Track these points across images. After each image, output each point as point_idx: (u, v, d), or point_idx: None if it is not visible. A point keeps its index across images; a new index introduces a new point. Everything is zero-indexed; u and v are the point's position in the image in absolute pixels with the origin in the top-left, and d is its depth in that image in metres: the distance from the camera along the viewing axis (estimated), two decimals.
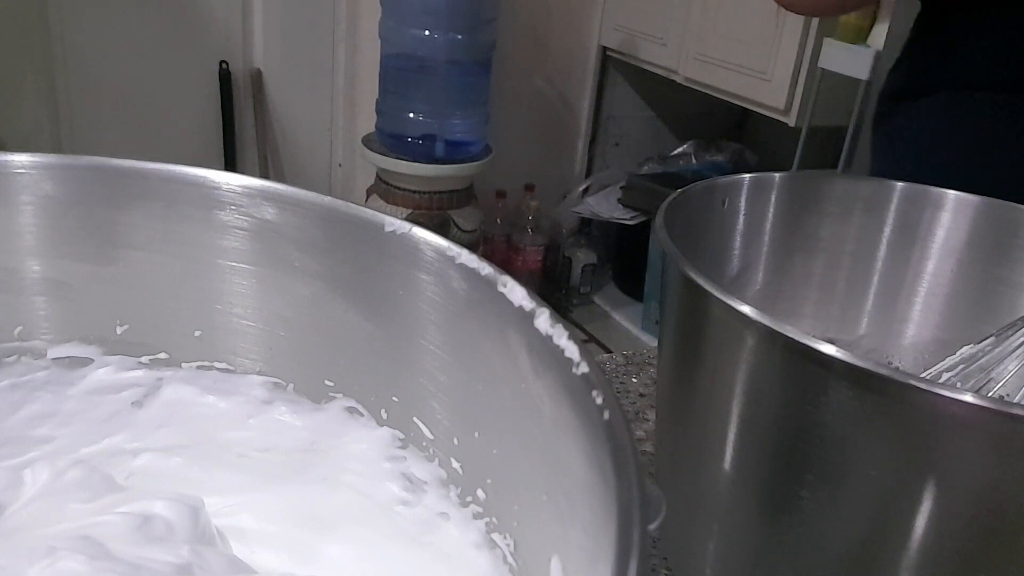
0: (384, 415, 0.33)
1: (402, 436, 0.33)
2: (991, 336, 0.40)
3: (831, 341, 0.29)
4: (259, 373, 0.35)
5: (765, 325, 0.31)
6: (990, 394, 0.38)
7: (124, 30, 1.73)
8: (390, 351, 0.32)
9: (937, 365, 0.42)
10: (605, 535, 0.19)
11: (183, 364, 0.35)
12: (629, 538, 0.17)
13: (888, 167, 0.76)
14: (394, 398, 0.33)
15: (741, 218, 0.47)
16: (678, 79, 1.91)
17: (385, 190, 1.78)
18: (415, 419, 0.32)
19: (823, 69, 1.54)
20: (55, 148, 1.73)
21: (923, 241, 0.48)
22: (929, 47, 0.73)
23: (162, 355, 0.35)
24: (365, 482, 0.34)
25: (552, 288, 2.22)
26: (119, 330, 0.35)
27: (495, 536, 0.30)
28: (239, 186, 0.32)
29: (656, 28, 1.94)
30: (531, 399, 0.26)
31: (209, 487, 0.35)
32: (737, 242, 0.47)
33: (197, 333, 0.35)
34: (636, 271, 2.09)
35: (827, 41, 1.52)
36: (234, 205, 0.33)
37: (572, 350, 0.23)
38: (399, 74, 1.75)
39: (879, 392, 0.28)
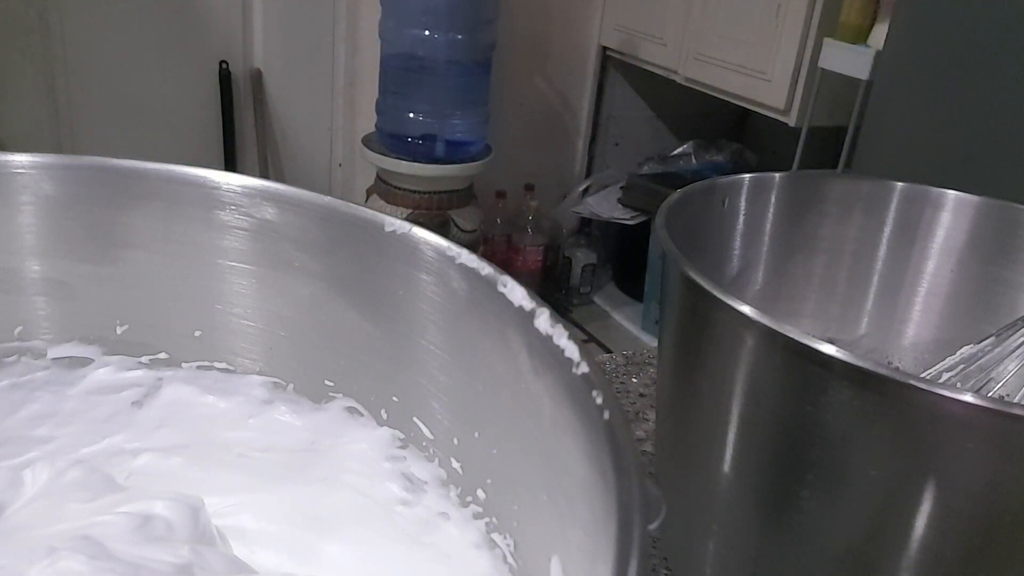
0: (384, 415, 0.33)
1: (402, 436, 0.33)
2: (991, 336, 0.40)
3: (831, 341, 0.29)
4: (259, 373, 0.35)
5: (765, 325, 0.31)
6: (990, 394, 0.38)
7: (124, 30, 1.72)
8: (390, 351, 0.32)
9: (937, 365, 0.42)
10: (605, 535, 0.19)
11: (183, 364, 0.35)
12: (629, 538, 0.17)
13: None
14: (394, 398, 0.33)
15: (741, 218, 0.46)
16: (678, 79, 1.91)
17: (385, 190, 1.78)
18: (415, 419, 0.32)
19: (823, 69, 1.54)
20: (55, 148, 1.73)
21: (923, 241, 0.48)
22: None
23: (162, 355, 0.35)
24: (365, 482, 0.34)
25: (552, 288, 2.22)
26: (119, 330, 0.35)
27: (495, 536, 0.30)
28: (239, 186, 0.32)
29: (656, 28, 1.94)
30: (531, 399, 0.26)
31: (209, 487, 0.35)
32: (737, 242, 0.47)
33: (197, 333, 0.35)
34: (636, 271, 2.09)
35: (827, 41, 1.52)
36: (234, 205, 0.33)
37: (572, 350, 0.23)
38: (399, 74, 1.75)
39: (879, 392, 0.28)
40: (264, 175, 1.57)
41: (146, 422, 0.36)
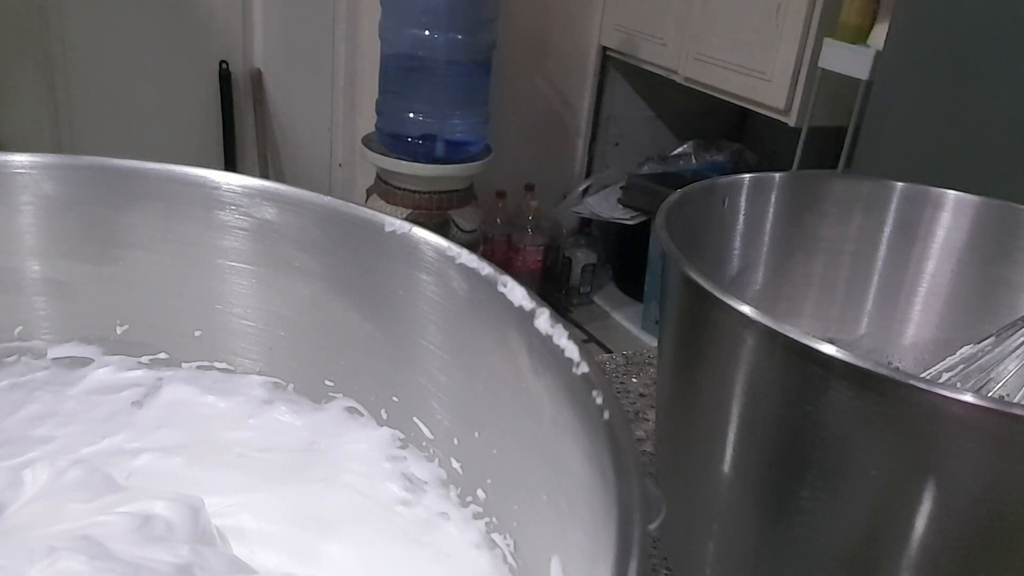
0: (384, 415, 0.33)
1: (402, 436, 0.33)
2: (991, 336, 0.40)
3: (831, 341, 0.29)
4: (259, 373, 0.35)
5: (765, 325, 0.31)
6: (990, 394, 0.38)
7: (124, 30, 1.72)
8: (390, 351, 0.32)
9: (937, 365, 0.42)
10: (605, 535, 0.19)
11: (183, 364, 0.35)
12: (629, 538, 0.17)
13: None
14: (394, 398, 0.33)
15: (741, 218, 0.46)
16: (678, 79, 1.91)
17: (385, 190, 1.78)
18: (415, 419, 0.32)
19: (823, 69, 1.54)
20: (55, 148, 1.73)
21: (923, 241, 0.48)
22: None
23: (162, 355, 0.35)
24: (365, 482, 0.34)
25: (552, 288, 2.22)
26: (119, 330, 0.35)
27: (495, 536, 0.30)
28: (239, 186, 0.32)
29: (656, 28, 1.94)
30: (531, 399, 0.26)
31: (209, 487, 0.35)
32: (737, 242, 0.47)
33: (197, 333, 0.35)
34: (636, 271, 2.09)
35: (827, 41, 1.52)
36: (234, 205, 0.33)
37: (572, 350, 0.23)
38: (399, 74, 1.75)
39: (879, 392, 0.28)
40: (264, 175, 1.57)
41: (146, 422, 0.36)
